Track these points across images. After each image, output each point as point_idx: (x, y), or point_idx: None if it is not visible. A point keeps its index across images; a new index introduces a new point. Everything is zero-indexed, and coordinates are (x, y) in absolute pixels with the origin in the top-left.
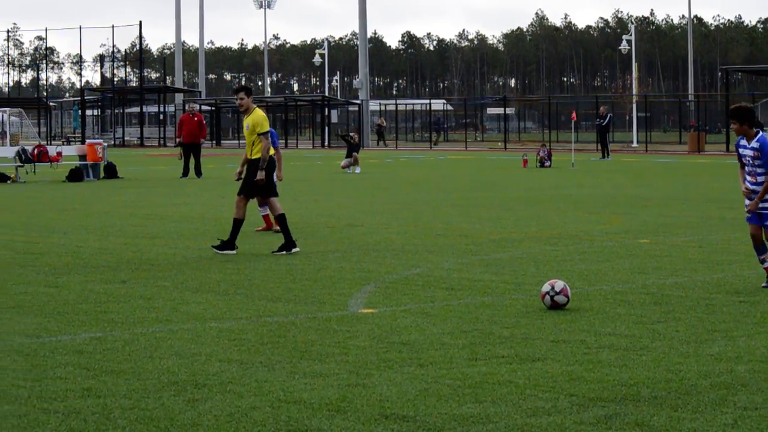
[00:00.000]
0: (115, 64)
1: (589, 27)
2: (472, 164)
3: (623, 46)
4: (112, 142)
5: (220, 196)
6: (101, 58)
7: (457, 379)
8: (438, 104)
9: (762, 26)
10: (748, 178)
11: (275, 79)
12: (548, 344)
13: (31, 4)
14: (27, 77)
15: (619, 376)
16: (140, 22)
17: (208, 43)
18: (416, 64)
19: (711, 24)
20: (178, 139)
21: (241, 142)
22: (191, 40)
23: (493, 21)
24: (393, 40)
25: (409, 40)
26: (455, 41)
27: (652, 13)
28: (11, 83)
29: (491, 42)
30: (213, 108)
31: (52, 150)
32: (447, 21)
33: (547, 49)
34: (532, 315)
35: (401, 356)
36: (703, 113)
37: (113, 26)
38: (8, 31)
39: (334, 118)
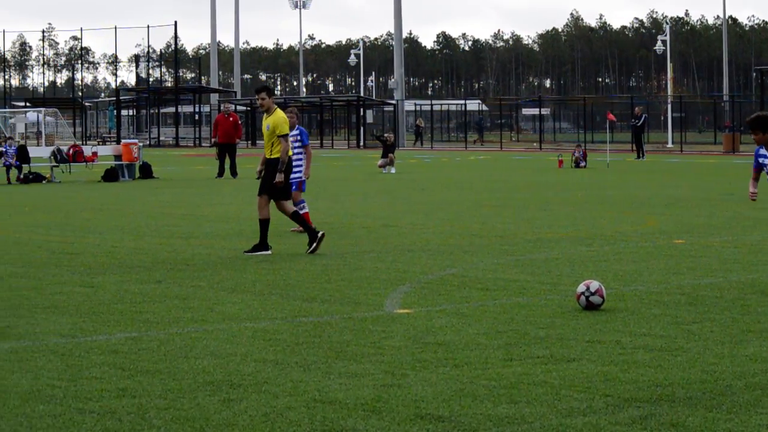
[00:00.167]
0: (151, 64)
1: (624, 27)
2: (507, 165)
3: (658, 46)
4: (148, 142)
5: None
6: (136, 59)
7: (493, 380)
8: (473, 104)
9: None
10: None
11: (310, 79)
12: (583, 345)
13: (66, 5)
14: (62, 77)
15: (653, 376)
16: (175, 22)
17: (243, 44)
18: (451, 64)
19: (746, 24)
20: (213, 140)
21: None
22: (227, 40)
23: (528, 21)
24: (428, 41)
25: (444, 40)
26: (490, 41)
27: (686, 14)
28: (47, 83)
29: (526, 42)
30: (248, 108)
31: (87, 150)
32: (482, 21)
33: (582, 49)
34: (567, 315)
35: (436, 356)
36: (737, 114)
37: (148, 26)
38: (43, 32)
39: (369, 119)
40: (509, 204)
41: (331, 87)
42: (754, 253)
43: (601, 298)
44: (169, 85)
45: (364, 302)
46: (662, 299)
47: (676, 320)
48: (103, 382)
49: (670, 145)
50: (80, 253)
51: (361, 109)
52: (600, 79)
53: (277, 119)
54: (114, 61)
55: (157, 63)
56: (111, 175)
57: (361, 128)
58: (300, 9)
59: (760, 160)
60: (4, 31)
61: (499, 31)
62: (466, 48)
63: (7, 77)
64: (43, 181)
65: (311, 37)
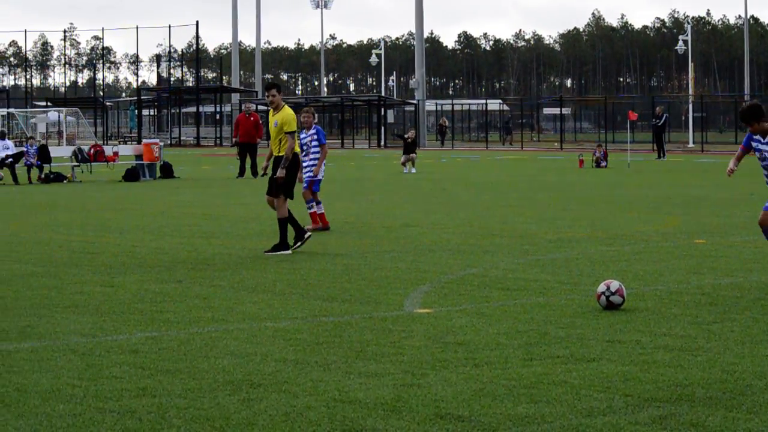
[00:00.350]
0: (172, 64)
1: (645, 27)
2: (528, 164)
3: (680, 46)
4: (169, 142)
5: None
6: (158, 58)
7: (513, 380)
8: (494, 104)
9: None
10: (765, 172)
11: (331, 79)
12: (603, 344)
13: (88, 5)
14: (83, 77)
15: (674, 376)
16: (197, 22)
17: (264, 43)
18: (472, 64)
19: (767, 24)
20: (234, 139)
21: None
22: (248, 40)
23: (549, 21)
24: (449, 41)
25: (466, 40)
26: (512, 41)
27: (708, 13)
28: (68, 83)
29: (548, 42)
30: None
31: (108, 150)
32: (503, 21)
33: (604, 49)
34: (587, 315)
35: (456, 356)
36: None
37: (170, 26)
38: (65, 32)
39: (391, 118)
40: (530, 204)
41: (352, 87)
42: None
43: (622, 297)
44: (191, 84)
45: (385, 302)
46: (682, 299)
47: (696, 320)
48: (123, 382)
49: (691, 144)
50: (101, 252)
51: (382, 109)
52: (621, 79)
53: (285, 116)
54: (135, 61)
55: (178, 63)
56: (132, 175)
57: (382, 128)
58: (321, 9)
59: (754, 144)
60: (26, 31)
61: (520, 30)
62: (488, 48)
63: (28, 77)
64: (64, 181)
65: (332, 37)
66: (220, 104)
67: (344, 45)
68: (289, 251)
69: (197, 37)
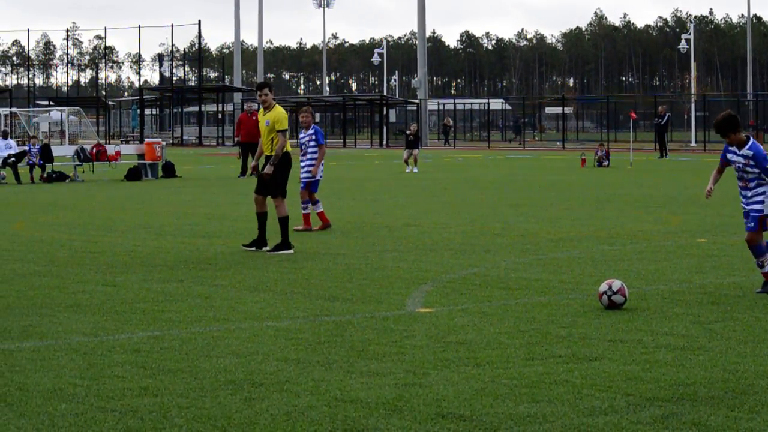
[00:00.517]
0: (174, 64)
1: (648, 26)
2: (530, 164)
3: (682, 45)
4: (171, 141)
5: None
6: (160, 58)
7: (514, 379)
8: (496, 104)
9: None
10: (739, 183)
11: (333, 78)
12: (605, 344)
13: (91, 4)
14: (86, 77)
15: (676, 375)
16: (199, 21)
17: (266, 43)
18: (474, 63)
19: None
20: (236, 139)
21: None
22: (250, 39)
23: (551, 20)
24: (451, 40)
25: (468, 39)
26: (514, 41)
27: (711, 12)
28: (70, 83)
29: (550, 41)
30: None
31: (110, 149)
32: (505, 20)
33: (606, 48)
34: (589, 314)
35: (458, 356)
36: (761, 112)
37: (172, 26)
38: (67, 31)
39: (393, 118)
40: (532, 203)
41: (354, 86)
42: None
43: (624, 297)
44: (193, 84)
45: (386, 301)
46: (684, 298)
47: (698, 319)
48: (125, 381)
49: (693, 144)
50: (103, 252)
51: (385, 109)
52: (623, 78)
53: (278, 114)
54: (138, 61)
55: (180, 62)
56: (134, 174)
57: (384, 127)
58: (324, 8)
59: (729, 156)
60: (28, 31)
61: (522, 30)
62: (490, 47)
63: (31, 76)
64: (67, 180)
65: (335, 36)
66: (222, 104)
67: (346, 44)
68: (292, 250)
69: (199, 36)
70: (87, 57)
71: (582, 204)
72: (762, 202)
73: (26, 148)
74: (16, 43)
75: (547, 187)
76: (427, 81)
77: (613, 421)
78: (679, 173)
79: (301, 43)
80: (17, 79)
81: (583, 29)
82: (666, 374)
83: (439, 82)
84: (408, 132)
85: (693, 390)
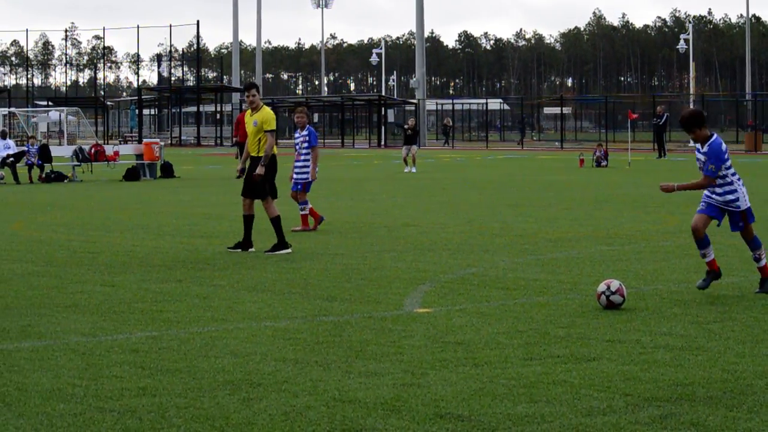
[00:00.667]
0: (173, 64)
1: (646, 26)
2: (528, 164)
3: (681, 45)
4: (169, 142)
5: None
6: (159, 58)
7: (512, 379)
8: (495, 104)
9: None
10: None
11: (332, 78)
12: (603, 344)
13: (89, 4)
14: (84, 77)
15: (674, 375)
16: (198, 21)
17: (265, 43)
18: (473, 63)
19: None
20: (234, 139)
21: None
22: (248, 39)
23: (550, 20)
24: (450, 40)
25: (466, 39)
26: (512, 41)
27: (710, 12)
28: (69, 83)
29: (548, 41)
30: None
31: (109, 149)
32: (504, 20)
33: (605, 48)
34: (587, 315)
35: (456, 356)
36: (760, 112)
37: (171, 26)
38: (66, 31)
39: (391, 118)
40: (530, 203)
41: (352, 86)
42: None
43: (622, 297)
44: (191, 84)
45: (384, 301)
46: (683, 298)
47: (696, 319)
48: (124, 381)
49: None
50: (101, 252)
51: (383, 109)
52: (622, 78)
53: (265, 115)
54: (136, 61)
55: (179, 62)
56: (132, 175)
57: (383, 127)
58: (322, 8)
59: (696, 153)
60: (27, 31)
61: (521, 30)
62: (488, 47)
63: (30, 76)
64: (65, 181)
65: (333, 36)
66: (221, 104)
67: (345, 44)
68: (289, 249)
69: (198, 36)
70: (85, 57)
71: (580, 204)
72: (737, 199)
73: (25, 148)
74: (14, 43)
75: (546, 188)
76: (425, 81)
77: (611, 421)
78: (678, 173)
79: (299, 44)
80: (16, 79)
81: (582, 29)
82: (664, 374)
83: (438, 82)
84: (406, 126)
85: (691, 390)
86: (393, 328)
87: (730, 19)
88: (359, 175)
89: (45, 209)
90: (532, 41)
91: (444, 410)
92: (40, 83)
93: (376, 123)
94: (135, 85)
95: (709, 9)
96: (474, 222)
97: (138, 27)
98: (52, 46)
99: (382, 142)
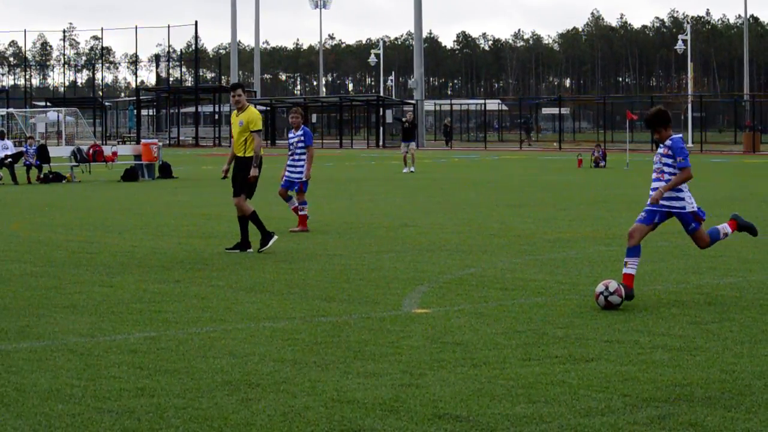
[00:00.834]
0: (171, 64)
1: (644, 27)
2: (526, 164)
3: (679, 45)
4: (167, 142)
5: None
6: (157, 58)
7: (511, 379)
8: (493, 104)
9: None
10: (654, 175)
11: (330, 78)
12: (602, 344)
13: (87, 5)
14: (83, 77)
15: (672, 376)
16: (196, 22)
17: (263, 43)
18: (471, 64)
19: (767, 24)
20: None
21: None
22: (247, 39)
23: (548, 21)
24: (448, 40)
25: (465, 40)
26: (510, 41)
27: (708, 13)
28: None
29: (546, 42)
30: (268, 108)
31: (107, 150)
32: (502, 21)
33: (603, 48)
34: (585, 315)
35: (455, 356)
36: (758, 113)
37: (169, 26)
38: (64, 31)
39: (389, 118)
40: (528, 203)
41: (351, 87)
42: None
43: (620, 297)
44: (190, 84)
45: (383, 302)
46: (681, 299)
47: (695, 320)
48: (122, 382)
49: (690, 144)
50: (99, 252)
51: (381, 109)
52: (620, 79)
53: (251, 115)
54: (134, 61)
55: (177, 63)
56: (130, 175)
57: (381, 128)
58: (320, 8)
59: (658, 155)
60: (25, 31)
61: (519, 30)
62: (486, 48)
63: (28, 77)
64: (63, 181)
65: (331, 37)
66: (219, 104)
67: (343, 45)
68: (276, 237)
69: (196, 37)
70: (84, 57)
71: (579, 204)
72: (683, 199)
73: (23, 148)
74: (13, 43)
75: (544, 188)
76: (423, 81)
77: (609, 422)
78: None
79: (297, 44)
80: (14, 79)
81: (580, 30)
82: (663, 375)
83: (436, 83)
84: (404, 119)
85: (690, 390)
86: (391, 328)
87: (728, 19)
88: (358, 176)
89: (43, 210)
90: (530, 42)
91: (442, 410)
92: (38, 84)
93: (374, 123)
94: (133, 85)
95: (707, 9)
96: (472, 222)
97: (136, 27)
98: (50, 46)
99: (381, 143)
